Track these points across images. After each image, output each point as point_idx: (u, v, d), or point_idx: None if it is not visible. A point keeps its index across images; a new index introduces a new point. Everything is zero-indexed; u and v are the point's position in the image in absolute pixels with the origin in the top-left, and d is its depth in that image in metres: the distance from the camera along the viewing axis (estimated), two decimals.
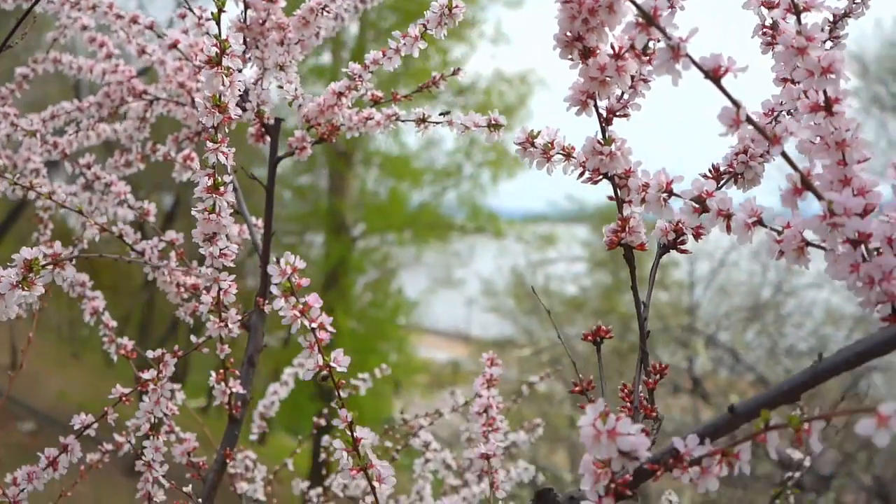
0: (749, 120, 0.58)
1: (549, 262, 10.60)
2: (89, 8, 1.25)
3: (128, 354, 1.16)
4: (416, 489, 1.46)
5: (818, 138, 0.63)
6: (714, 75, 0.59)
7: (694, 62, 0.58)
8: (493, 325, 11.20)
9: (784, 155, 0.59)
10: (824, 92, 0.62)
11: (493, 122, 0.96)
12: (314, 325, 0.71)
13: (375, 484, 0.74)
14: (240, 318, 1.04)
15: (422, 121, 1.06)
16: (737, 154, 0.80)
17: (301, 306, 0.71)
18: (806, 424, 0.52)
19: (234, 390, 1.09)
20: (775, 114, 0.81)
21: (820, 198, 0.59)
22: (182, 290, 1.16)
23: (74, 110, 1.32)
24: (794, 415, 0.52)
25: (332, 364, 0.72)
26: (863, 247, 0.61)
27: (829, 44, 0.83)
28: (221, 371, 1.09)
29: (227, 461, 1.12)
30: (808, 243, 0.63)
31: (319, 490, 1.48)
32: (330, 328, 0.72)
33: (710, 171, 0.80)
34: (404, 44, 1.01)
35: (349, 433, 0.74)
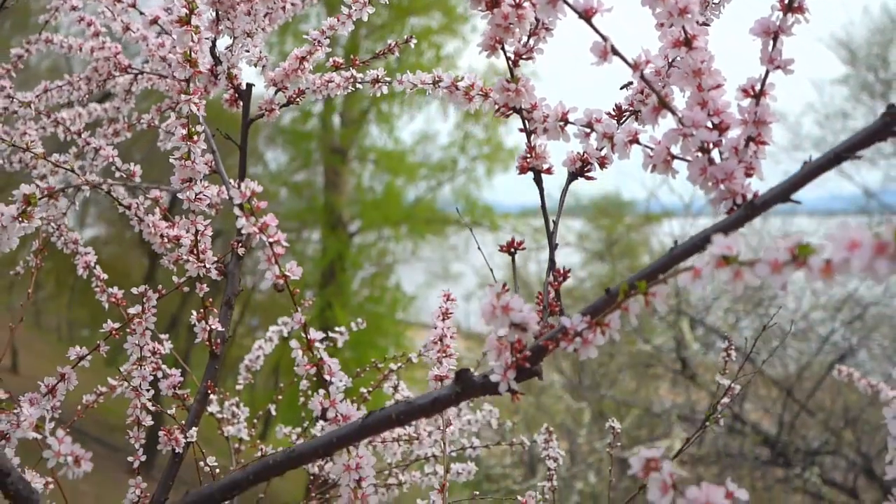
0: (614, 51, 0.71)
1: (542, 249, 10.71)
2: None
3: (118, 302, 1.29)
4: None
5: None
6: (586, 15, 0.71)
7: (568, 4, 0.71)
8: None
9: (643, 79, 0.72)
10: (683, 29, 0.75)
11: (436, 79, 1.09)
12: (272, 240, 0.83)
13: (327, 377, 0.87)
14: (216, 259, 1.16)
15: (376, 81, 1.19)
16: (636, 94, 0.92)
17: (260, 224, 0.83)
18: (653, 289, 0.65)
19: (213, 328, 1.22)
20: (671, 59, 0.93)
21: (674, 113, 0.72)
22: (165, 240, 1.29)
23: (66, 84, 1.45)
24: (642, 282, 0.64)
25: (288, 273, 0.85)
26: (716, 154, 0.74)
27: None
28: (202, 310, 1.21)
29: (209, 392, 1.25)
30: (674, 156, 0.76)
31: (299, 430, 1.62)
32: (285, 243, 0.84)
33: (613, 109, 0.93)
34: (355, 9, 1.15)
35: (304, 335, 0.87)
